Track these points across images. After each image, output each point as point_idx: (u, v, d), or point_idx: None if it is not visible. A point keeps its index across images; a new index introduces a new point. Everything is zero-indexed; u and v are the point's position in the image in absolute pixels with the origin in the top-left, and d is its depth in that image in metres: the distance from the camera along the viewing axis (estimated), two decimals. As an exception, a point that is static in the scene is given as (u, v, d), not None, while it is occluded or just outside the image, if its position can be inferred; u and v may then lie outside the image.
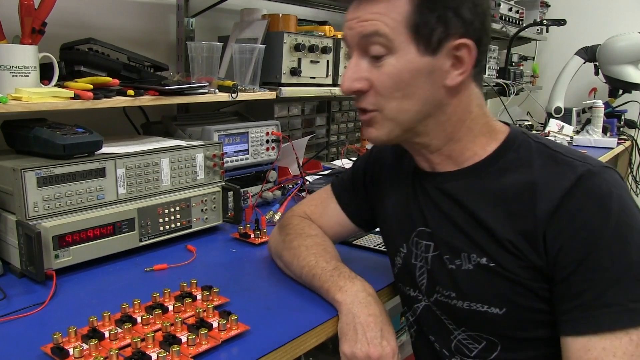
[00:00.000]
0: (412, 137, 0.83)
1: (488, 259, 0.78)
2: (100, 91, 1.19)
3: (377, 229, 1.07)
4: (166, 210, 1.16)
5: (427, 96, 0.77)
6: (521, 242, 0.75)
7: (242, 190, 1.38)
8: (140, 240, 1.12)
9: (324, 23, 2.07)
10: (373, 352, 0.78)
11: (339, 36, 1.85)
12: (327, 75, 1.80)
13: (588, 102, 2.89)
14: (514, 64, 3.25)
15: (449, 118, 0.80)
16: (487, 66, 2.91)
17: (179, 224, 1.19)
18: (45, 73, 1.16)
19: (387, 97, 0.77)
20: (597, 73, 2.98)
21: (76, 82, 1.19)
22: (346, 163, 2.00)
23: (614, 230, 0.70)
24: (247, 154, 1.50)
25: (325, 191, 1.09)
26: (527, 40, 3.39)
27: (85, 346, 0.72)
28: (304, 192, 1.55)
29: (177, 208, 1.19)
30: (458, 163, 0.83)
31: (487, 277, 0.78)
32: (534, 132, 2.53)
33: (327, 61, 1.78)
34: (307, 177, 1.71)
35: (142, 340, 0.74)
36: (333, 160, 2.14)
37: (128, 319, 0.79)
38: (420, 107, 0.78)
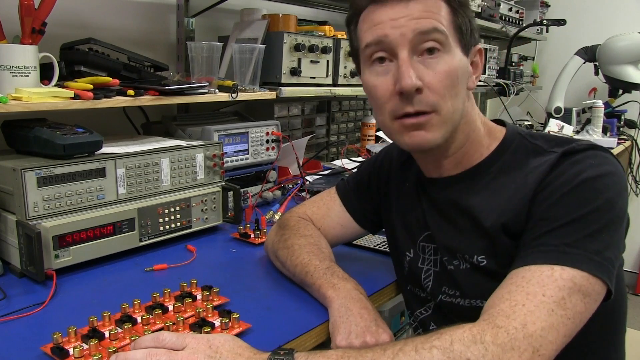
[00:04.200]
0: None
1: (481, 257, 0.81)
2: (100, 91, 1.19)
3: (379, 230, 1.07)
4: (166, 210, 1.16)
5: (463, 97, 0.81)
6: (513, 228, 0.77)
7: (242, 190, 1.38)
8: (140, 240, 1.12)
9: (324, 23, 2.07)
10: (370, 340, 0.77)
11: (339, 36, 1.85)
12: (327, 75, 1.80)
13: (588, 102, 2.88)
14: (514, 64, 3.25)
15: (468, 120, 0.84)
16: (487, 66, 2.91)
17: (179, 224, 1.19)
18: (45, 73, 1.16)
19: (444, 96, 0.77)
20: (597, 73, 2.97)
21: (76, 82, 1.19)
22: (346, 163, 2.00)
23: (576, 189, 0.72)
24: (247, 154, 1.50)
25: (328, 193, 1.10)
26: (527, 40, 3.39)
27: (85, 346, 0.73)
28: (304, 192, 1.55)
29: (177, 208, 1.19)
30: (464, 165, 0.86)
31: (482, 275, 0.82)
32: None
33: (327, 61, 1.78)
34: (307, 177, 1.71)
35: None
36: (333, 160, 2.14)
37: (128, 319, 0.79)
38: (462, 107, 0.81)
